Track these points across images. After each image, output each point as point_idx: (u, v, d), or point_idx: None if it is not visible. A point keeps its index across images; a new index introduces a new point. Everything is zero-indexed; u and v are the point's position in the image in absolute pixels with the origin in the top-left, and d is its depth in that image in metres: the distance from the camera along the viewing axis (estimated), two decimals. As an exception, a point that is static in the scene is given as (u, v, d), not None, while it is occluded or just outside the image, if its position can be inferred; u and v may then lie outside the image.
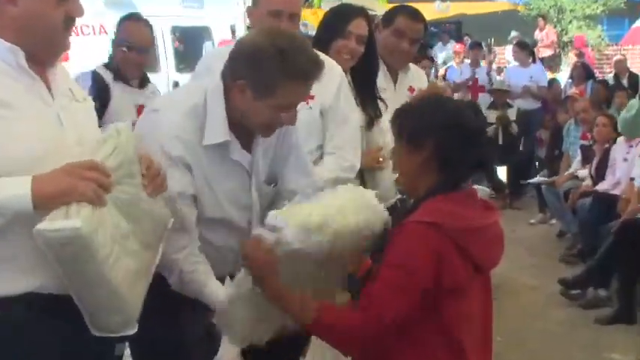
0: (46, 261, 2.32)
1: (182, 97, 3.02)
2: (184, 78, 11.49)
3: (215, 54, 4.31)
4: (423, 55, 10.06)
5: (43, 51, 2.50)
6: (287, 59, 2.75)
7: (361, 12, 4.22)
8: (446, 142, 2.62)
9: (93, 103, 2.76)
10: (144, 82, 5.10)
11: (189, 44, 14.06)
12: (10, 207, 2.28)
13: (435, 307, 2.56)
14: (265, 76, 2.78)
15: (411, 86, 4.59)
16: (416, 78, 4.73)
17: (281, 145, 3.18)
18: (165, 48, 13.08)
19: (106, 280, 2.38)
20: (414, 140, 2.65)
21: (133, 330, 2.54)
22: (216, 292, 2.96)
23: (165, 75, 12.76)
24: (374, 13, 4.75)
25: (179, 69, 13.00)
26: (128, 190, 2.51)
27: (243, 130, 2.96)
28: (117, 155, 2.47)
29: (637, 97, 5.62)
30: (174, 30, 13.49)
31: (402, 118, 2.73)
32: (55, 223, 2.25)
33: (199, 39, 13.96)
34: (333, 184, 3.53)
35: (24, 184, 2.27)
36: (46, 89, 2.50)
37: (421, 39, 4.68)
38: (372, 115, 4.25)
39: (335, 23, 4.17)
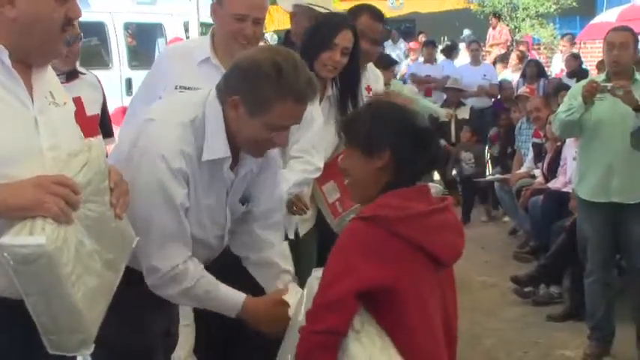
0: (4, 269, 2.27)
1: (180, 109, 2.97)
2: (137, 75, 11.39)
3: (168, 53, 4.28)
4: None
5: (36, 54, 2.46)
6: (283, 77, 2.75)
7: (347, 24, 4.23)
8: (401, 148, 2.66)
9: (73, 107, 2.71)
10: (72, 75, 4.96)
11: (143, 41, 13.95)
12: None
13: (383, 304, 2.58)
14: (260, 92, 2.77)
15: (368, 86, 4.60)
16: (372, 78, 4.73)
17: (263, 172, 3.16)
18: (118, 45, 12.96)
19: (66, 299, 2.34)
20: (370, 149, 2.68)
21: (89, 350, 2.50)
22: (232, 292, 3.01)
23: (117, 72, 12.65)
24: (326, 10, 4.73)
25: (132, 66, 12.88)
26: (95, 209, 2.47)
27: (233, 150, 2.93)
28: (87, 171, 2.44)
29: (568, 97, 5.71)
30: (127, 26, 13.37)
31: (354, 126, 2.77)
32: (19, 238, 2.22)
33: (152, 36, 13.86)
34: (299, 186, 3.89)
35: None
36: (26, 91, 2.44)
37: (381, 39, 4.69)
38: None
39: (321, 35, 4.16)
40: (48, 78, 2.58)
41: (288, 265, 3.27)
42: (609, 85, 5.35)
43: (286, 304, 2.98)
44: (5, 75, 2.39)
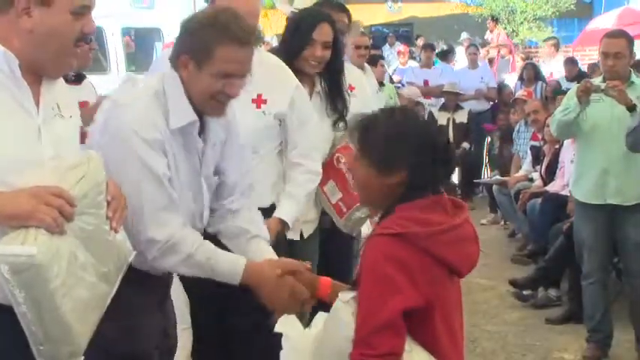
0: None
1: (141, 89, 3.04)
2: (135, 80, 11.38)
3: (166, 58, 4.30)
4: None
5: (49, 66, 2.47)
6: (219, 22, 2.88)
7: (324, 17, 4.24)
8: (418, 167, 2.59)
9: (79, 121, 2.71)
10: (80, 77, 4.98)
11: (140, 45, 13.95)
12: None
13: (415, 321, 2.54)
14: (200, 40, 2.88)
15: (350, 85, 4.59)
16: (353, 74, 4.73)
17: (229, 142, 3.20)
18: (116, 49, 12.96)
19: (56, 310, 2.35)
20: (386, 166, 2.61)
21: None
22: (232, 257, 3.04)
23: (115, 76, 12.64)
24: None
25: (130, 70, 12.87)
26: (91, 221, 2.48)
27: (198, 116, 2.99)
28: (84, 184, 2.44)
29: (566, 98, 5.74)
30: (125, 31, 13.37)
31: (370, 138, 2.66)
32: (10, 247, 2.23)
33: (150, 40, 13.86)
34: (308, 197, 3.95)
35: None
36: (32, 101, 2.44)
37: (345, 30, 4.72)
38: (339, 115, 4.28)
39: (300, 32, 4.18)
40: (57, 90, 2.58)
41: (261, 232, 3.29)
42: (603, 84, 5.38)
43: (289, 271, 3.01)
44: (14, 84, 2.39)
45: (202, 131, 3.05)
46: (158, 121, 2.91)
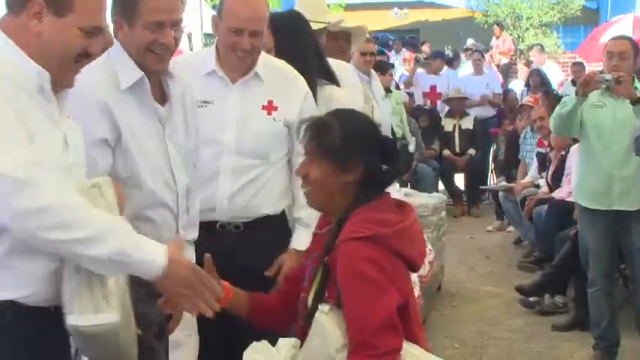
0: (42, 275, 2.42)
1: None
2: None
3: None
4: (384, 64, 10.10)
5: (51, 74, 2.50)
6: None
7: None
8: (372, 164, 2.70)
9: (80, 126, 2.76)
10: None
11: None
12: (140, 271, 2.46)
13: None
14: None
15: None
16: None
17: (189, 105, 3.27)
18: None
19: (120, 348, 2.50)
20: (342, 164, 2.69)
21: None
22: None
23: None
24: (324, 24, 4.70)
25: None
26: None
27: (156, 85, 3.09)
28: (112, 212, 2.51)
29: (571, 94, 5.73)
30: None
31: (325, 139, 2.73)
32: (87, 317, 2.36)
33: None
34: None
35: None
36: (58, 111, 2.52)
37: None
38: None
39: None
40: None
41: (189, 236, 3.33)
42: (608, 76, 5.33)
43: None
44: (44, 97, 2.46)
45: (164, 98, 3.13)
46: (103, 83, 3.01)
